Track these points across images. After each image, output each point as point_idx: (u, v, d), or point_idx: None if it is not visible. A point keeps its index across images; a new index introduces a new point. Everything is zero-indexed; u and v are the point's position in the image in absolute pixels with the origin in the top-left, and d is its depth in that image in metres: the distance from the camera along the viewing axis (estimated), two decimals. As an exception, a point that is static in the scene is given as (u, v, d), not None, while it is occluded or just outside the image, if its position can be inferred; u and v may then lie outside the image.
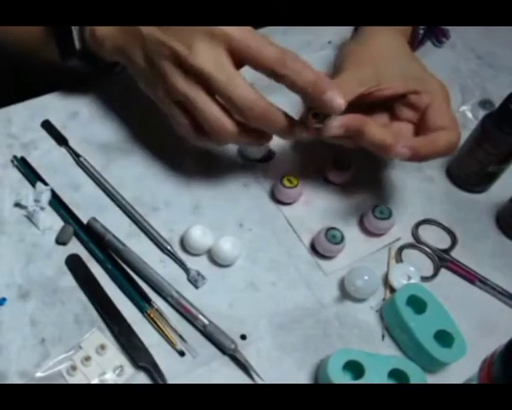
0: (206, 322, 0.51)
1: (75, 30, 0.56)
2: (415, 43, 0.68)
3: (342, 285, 0.55)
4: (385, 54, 0.58)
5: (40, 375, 0.48)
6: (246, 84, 0.50)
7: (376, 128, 0.53)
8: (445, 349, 0.51)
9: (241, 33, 0.49)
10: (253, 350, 0.51)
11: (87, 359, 0.49)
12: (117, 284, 0.53)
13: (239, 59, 0.50)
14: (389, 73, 0.56)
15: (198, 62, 0.48)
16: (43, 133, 0.62)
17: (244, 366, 0.50)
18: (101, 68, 0.61)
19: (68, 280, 0.53)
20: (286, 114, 0.52)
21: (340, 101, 0.49)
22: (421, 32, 0.66)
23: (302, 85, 0.49)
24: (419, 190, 0.63)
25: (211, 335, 0.51)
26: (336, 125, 0.52)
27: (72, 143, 0.61)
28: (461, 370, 0.49)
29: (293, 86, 0.50)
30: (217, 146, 0.59)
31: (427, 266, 0.58)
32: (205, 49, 0.48)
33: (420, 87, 0.55)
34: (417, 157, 0.52)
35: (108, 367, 0.49)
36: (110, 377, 0.49)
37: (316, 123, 0.52)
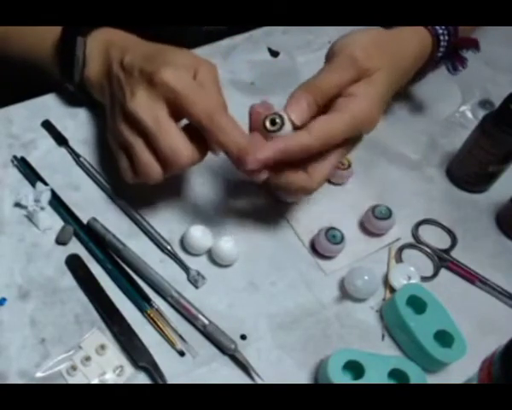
0: (206, 322, 0.51)
1: (77, 66, 0.58)
2: (431, 65, 0.63)
3: (342, 285, 0.55)
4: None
5: (40, 375, 0.48)
6: (176, 135, 0.50)
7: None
8: (445, 349, 0.51)
9: (178, 86, 0.49)
10: (253, 350, 0.51)
11: (87, 359, 0.49)
12: (117, 284, 0.53)
13: (176, 109, 0.50)
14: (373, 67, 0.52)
15: (135, 110, 0.50)
16: (43, 133, 0.62)
17: (244, 366, 0.50)
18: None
19: (68, 280, 0.53)
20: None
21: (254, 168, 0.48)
22: (440, 54, 0.62)
23: (226, 146, 0.49)
24: (419, 189, 0.63)
25: (211, 335, 0.51)
26: (254, 159, 0.48)
27: (72, 143, 0.61)
28: (461, 370, 0.49)
29: (218, 144, 0.50)
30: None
31: (427, 266, 0.58)
32: (144, 97, 0.50)
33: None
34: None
35: (108, 367, 0.49)
36: (110, 377, 0.49)
37: (265, 130, 0.49)
